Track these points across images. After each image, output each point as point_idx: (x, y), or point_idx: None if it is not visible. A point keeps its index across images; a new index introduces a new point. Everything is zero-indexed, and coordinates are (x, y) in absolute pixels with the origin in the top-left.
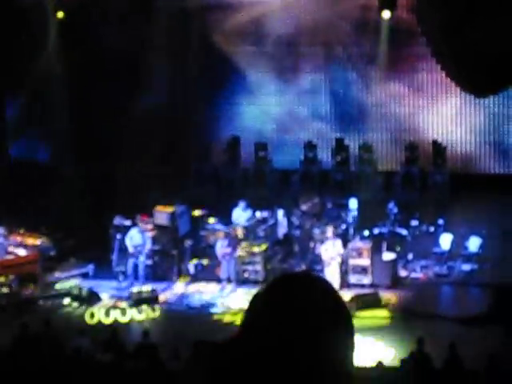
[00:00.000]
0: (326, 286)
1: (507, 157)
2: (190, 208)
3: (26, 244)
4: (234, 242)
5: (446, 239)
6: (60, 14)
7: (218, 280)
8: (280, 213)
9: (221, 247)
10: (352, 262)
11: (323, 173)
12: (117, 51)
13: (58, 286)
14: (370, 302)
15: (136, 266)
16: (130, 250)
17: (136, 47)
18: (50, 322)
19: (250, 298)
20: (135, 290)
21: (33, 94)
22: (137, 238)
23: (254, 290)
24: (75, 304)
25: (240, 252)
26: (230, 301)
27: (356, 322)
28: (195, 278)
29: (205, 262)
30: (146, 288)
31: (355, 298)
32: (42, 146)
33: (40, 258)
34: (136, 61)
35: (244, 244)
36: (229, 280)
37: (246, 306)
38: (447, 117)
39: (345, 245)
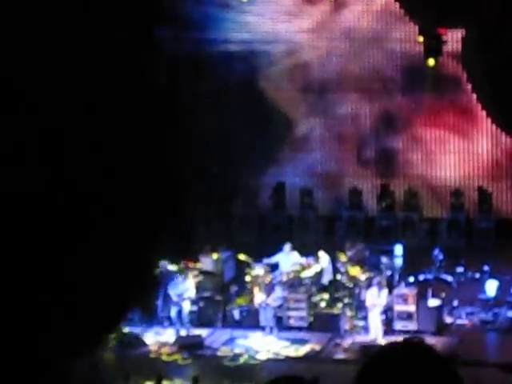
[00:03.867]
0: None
1: None
2: (235, 253)
3: None
4: (268, 289)
5: (491, 286)
6: None
7: (263, 327)
8: (325, 259)
9: (258, 296)
10: (397, 308)
11: (368, 219)
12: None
13: None
14: None
15: (180, 313)
16: (174, 298)
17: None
18: (95, 367)
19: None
20: (180, 335)
21: None
22: (181, 286)
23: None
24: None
25: (285, 277)
26: (274, 347)
27: None
28: (240, 324)
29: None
30: (192, 333)
31: None
32: None
33: None
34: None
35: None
36: (270, 328)
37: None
38: (493, 163)
39: (390, 291)
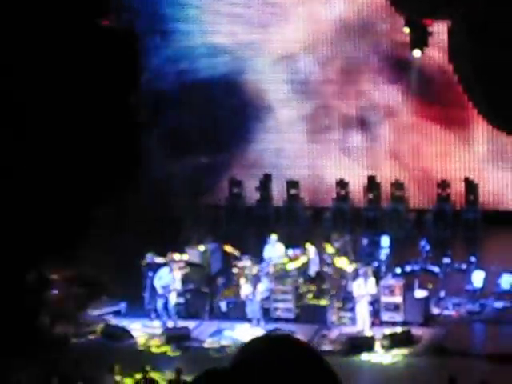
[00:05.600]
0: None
1: None
2: (222, 245)
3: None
4: (256, 281)
5: (478, 276)
6: None
7: (250, 318)
8: (312, 250)
9: (244, 288)
10: (384, 299)
11: (355, 210)
12: None
13: None
14: (402, 339)
15: (166, 305)
16: (159, 290)
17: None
18: (80, 361)
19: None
20: (167, 327)
21: None
22: (166, 277)
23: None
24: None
25: (271, 268)
26: None
27: (388, 360)
28: (227, 316)
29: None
30: (178, 325)
31: (387, 336)
32: None
33: (71, 296)
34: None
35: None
36: (257, 320)
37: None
38: (479, 154)
39: (377, 282)
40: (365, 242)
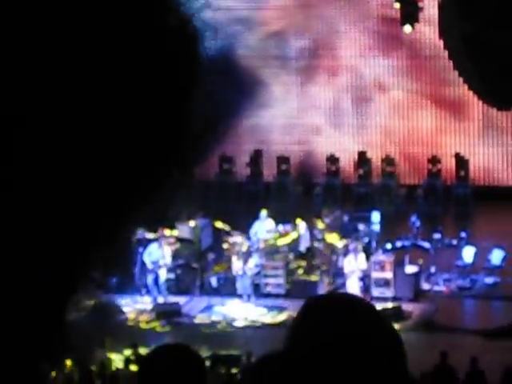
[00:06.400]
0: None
1: None
2: (213, 221)
3: None
4: (245, 257)
5: (468, 252)
6: None
7: (240, 294)
8: (302, 226)
9: (236, 263)
10: (375, 275)
11: (345, 186)
12: None
13: None
14: (392, 315)
15: (156, 280)
16: (149, 266)
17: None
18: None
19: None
20: (158, 303)
21: None
22: (156, 253)
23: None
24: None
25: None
26: (251, 314)
27: None
28: (217, 292)
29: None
30: (169, 301)
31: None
32: None
33: None
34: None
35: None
36: (248, 295)
37: (267, 319)
38: (470, 129)
39: (367, 258)
40: (355, 217)
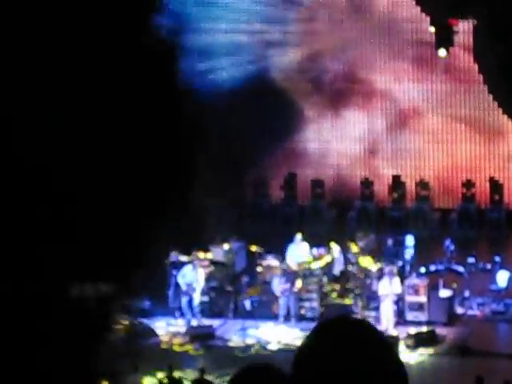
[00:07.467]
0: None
1: None
2: (247, 244)
3: None
4: (291, 278)
5: (502, 276)
6: None
7: (275, 317)
8: (336, 249)
9: (278, 283)
10: (409, 298)
11: (380, 209)
12: None
13: None
14: (426, 339)
15: (190, 303)
16: (183, 287)
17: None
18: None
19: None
20: (191, 325)
21: None
22: (190, 275)
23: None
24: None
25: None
26: (287, 338)
27: (413, 359)
28: (251, 315)
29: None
30: (202, 324)
31: (412, 336)
32: None
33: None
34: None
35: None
36: (288, 316)
37: (299, 342)
38: (504, 153)
39: (401, 282)
40: (390, 241)
